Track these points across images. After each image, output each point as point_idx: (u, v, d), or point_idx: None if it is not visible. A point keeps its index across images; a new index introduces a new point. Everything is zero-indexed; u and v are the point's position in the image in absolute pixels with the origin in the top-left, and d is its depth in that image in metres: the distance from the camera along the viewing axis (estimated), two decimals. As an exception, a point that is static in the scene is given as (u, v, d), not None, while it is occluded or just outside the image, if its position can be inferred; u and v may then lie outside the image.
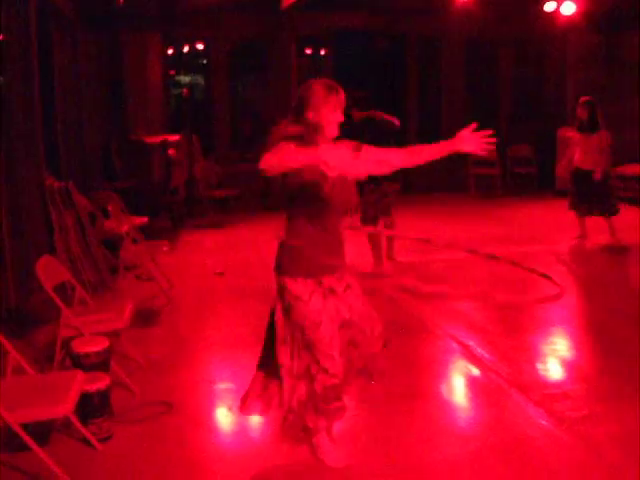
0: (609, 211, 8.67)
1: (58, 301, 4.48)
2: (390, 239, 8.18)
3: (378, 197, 7.56)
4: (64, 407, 3.33)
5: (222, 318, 6.43)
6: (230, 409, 4.23)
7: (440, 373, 5.06)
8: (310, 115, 3.20)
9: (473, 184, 13.80)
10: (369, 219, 7.65)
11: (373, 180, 6.88)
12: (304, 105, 3.22)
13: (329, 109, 3.21)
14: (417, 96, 14.73)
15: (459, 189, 13.73)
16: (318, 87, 3.23)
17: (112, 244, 7.78)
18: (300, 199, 3.25)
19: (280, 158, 2.94)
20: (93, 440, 3.75)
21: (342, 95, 3.25)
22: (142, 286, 7.28)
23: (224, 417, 4.27)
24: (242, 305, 6.64)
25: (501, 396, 4.44)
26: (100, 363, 4.14)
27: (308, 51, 16.24)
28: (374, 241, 7.82)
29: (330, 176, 3.15)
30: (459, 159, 13.45)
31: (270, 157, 2.96)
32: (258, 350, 3.58)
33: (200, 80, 17.73)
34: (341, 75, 15.46)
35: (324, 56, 15.95)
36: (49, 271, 4.61)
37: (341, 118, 3.25)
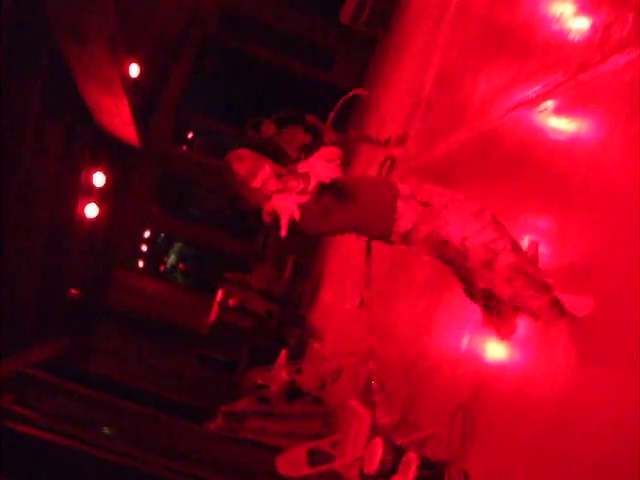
0: None
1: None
2: None
3: None
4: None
5: (408, 322, 6.25)
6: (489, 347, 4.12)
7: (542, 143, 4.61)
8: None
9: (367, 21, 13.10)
10: None
11: None
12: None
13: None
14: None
15: (370, 44, 13.29)
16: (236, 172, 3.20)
17: (295, 392, 7.89)
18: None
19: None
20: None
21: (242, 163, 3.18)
22: (344, 382, 7.29)
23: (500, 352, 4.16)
24: (406, 298, 6.46)
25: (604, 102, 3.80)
26: (394, 455, 4.11)
27: (185, 147, 16.21)
28: None
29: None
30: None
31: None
32: (454, 305, 3.45)
33: (180, 245, 18.24)
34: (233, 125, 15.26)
35: (195, 137, 16.06)
36: (292, 464, 4.67)
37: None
